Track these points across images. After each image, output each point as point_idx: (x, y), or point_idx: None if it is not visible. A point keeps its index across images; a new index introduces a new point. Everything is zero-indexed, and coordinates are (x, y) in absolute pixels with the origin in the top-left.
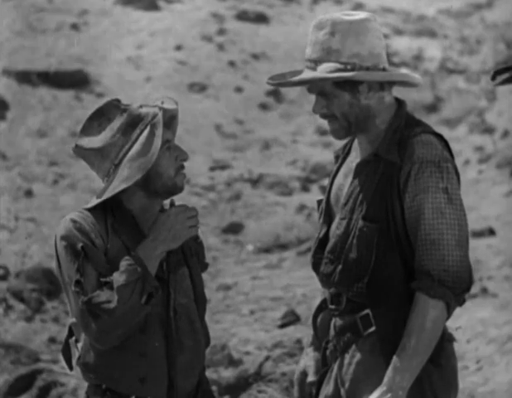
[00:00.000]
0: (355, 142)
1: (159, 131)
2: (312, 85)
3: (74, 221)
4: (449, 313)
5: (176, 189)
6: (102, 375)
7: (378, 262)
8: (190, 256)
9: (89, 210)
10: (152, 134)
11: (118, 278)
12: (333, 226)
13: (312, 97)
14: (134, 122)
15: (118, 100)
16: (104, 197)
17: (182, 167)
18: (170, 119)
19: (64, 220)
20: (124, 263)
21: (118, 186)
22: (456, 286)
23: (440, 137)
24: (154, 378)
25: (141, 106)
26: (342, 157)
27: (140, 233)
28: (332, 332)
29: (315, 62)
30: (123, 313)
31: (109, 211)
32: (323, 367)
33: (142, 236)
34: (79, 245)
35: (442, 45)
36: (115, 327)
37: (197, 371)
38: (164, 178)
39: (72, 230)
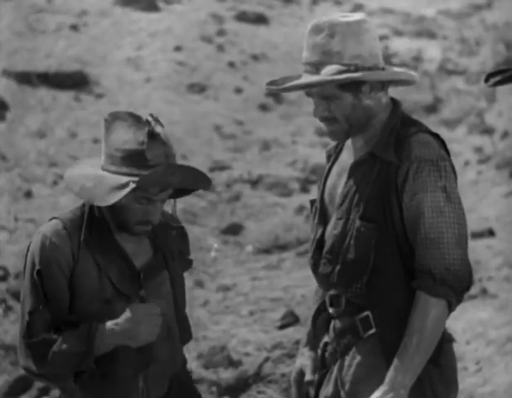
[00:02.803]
0: (348, 140)
1: (125, 191)
2: (312, 89)
3: (44, 237)
4: (450, 311)
5: (134, 233)
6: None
7: (376, 262)
8: (172, 260)
9: (69, 217)
10: (122, 187)
11: (61, 342)
12: (329, 227)
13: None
14: (131, 160)
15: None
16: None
17: (147, 222)
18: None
19: (37, 233)
20: (80, 330)
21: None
22: (457, 284)
23: (436, 136)
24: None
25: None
26: (334, 155)
27: (115, 247)
28: (332, 334)
29: (315, 66)
30: (49, 372)
31: (88, 220)
32: (322, 369)
33: (117, 251)
34: (37, 268)
35: (442, 46)
36: (40, 375)
37: (168, 377)
38: (125, 217)
39: (39, 248)
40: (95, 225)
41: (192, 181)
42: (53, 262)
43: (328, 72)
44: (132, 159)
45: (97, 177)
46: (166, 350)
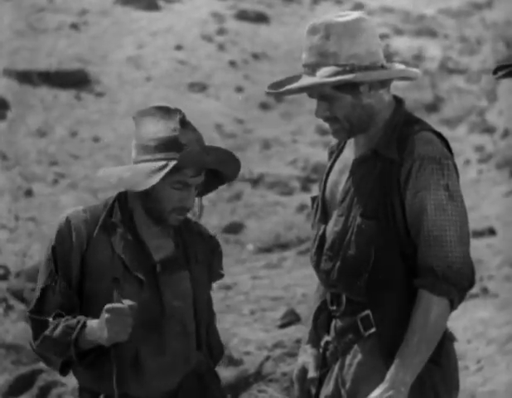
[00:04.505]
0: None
1: (163, 172)
2: (313, 90)
3: (64, 218)
4: (452, 309)
5: (166, 223)
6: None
7: (377, 259)
8: (195, 262)
9: (94, 205)
10: (160, 169)
11: (53, 328)
12: (330, 223)
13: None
14: (166, 146)
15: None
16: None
17: (182, 209)
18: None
19: (61, 216)
20: (71, 321)
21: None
22: (460, 282)
23: (439, 135)
24: (119, 375)
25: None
26: (336, 153)
27: (134, 235)
28: (333, 333)
29: (312, 67)
30: (40, 353)
31: (110, 207)
32: (323, 368)
33: (135, 239)
34: (52, 245)
35: (442, 44)
36: (37, 354)
37: (181, 373)
38: (160, 205)
39: (57, 227)
40: (118, 213)
41: (224, 164)
42: (67, 239)
43: (323, 74)
44: (166, 145)
45: (133, 168)
46: (178, 345)
